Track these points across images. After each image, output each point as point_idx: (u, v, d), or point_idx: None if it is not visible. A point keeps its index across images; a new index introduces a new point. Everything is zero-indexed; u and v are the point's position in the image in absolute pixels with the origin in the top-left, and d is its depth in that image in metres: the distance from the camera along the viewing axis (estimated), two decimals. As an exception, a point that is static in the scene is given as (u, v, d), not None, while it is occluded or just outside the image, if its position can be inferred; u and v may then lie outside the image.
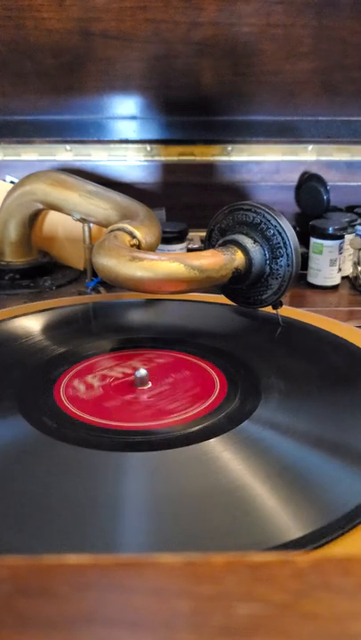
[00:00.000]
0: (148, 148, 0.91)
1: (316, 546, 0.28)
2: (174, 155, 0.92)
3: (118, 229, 0.55)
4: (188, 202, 0.92)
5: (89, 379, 0.46)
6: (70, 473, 0.34)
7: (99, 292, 0.68)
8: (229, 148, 0.92)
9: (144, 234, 0.56)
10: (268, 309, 0.55)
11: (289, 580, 0.17)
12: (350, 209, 0.88)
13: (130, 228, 0.55)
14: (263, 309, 0.56)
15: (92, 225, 0.68)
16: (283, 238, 0.51)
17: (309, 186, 0.88)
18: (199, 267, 0.49)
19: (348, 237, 0.75)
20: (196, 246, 0.81)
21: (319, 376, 0.46)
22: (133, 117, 0.90)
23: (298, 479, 0.34)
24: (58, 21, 0.71)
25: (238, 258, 0.52)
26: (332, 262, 0.73)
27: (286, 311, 0.57)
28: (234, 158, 0.92)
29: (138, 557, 0.18)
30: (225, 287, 0.56)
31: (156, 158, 0.92)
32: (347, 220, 0.76)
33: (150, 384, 0.45)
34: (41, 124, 0.89)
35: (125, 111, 0.89)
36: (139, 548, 0.29)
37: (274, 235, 0.52)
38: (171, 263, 0.48)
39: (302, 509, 0.31)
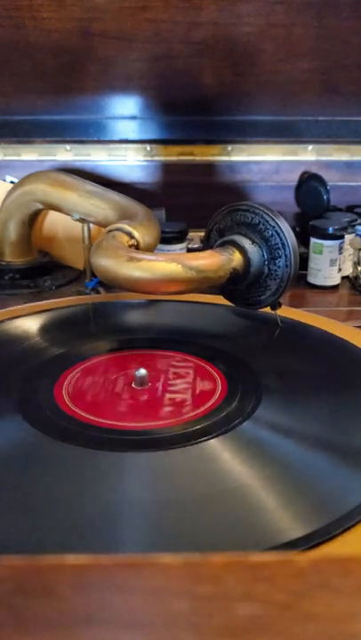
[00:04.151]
0: (148, 148, 0.91)
1: (316, 545, 0.28)
2: (174, 155, 0.92)
3: (117, 229, 0.55)
4: (188, 202, 0.91)
5: (89, 379, 0.46)
6: (70, 473, 0.34)
7: (98, 292, 0.68)
8: (229, 148, 0.91)
9: (142, 234, 0.56)
10: (268, 310, 0.55)
11: (289, 580, 0.17)
12: (350, 209, 0.88)
13: (128, 228, 0.55)
14: (262, 310, 0.56)
15: (91, 225, 0.68)
16: (281, 239, 0.51)
17: (309, 186, 0.88)
18: (197, 267, 0.49)
19: (348, 237, 0.75)
20: (196, 246, 0.81)
21: (319, 376, 0.46)
22: (133, 117, 0.90)
23: (298, 479, 0.34)
24: (58, 21, 0.71)
25: (236, 259, 0.52)
26: (332, 262, 0.73)
27: (286, 311, 0.57)
28: (234, 158, 0.92)
29: (138, 557, 0.18)
30: (223, 288, 0.56)
31: (156, 158, 0.92)
32: (347, 220, 0.76)
33: (150, 384, 0.45)
34: (41, 123, 0.89)
35: (125, 111, 0.89)
36: (138, 548, 0.29)
37: (272, 235, 0.52)
38: (168, 264, 0.48)
39: (302, 509, 0.31)
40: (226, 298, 0.57)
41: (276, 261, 0.52)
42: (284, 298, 0.54)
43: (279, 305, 0.54)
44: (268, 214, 0.52)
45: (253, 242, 0.52)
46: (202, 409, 0.41)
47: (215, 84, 0.83)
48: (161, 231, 0.62)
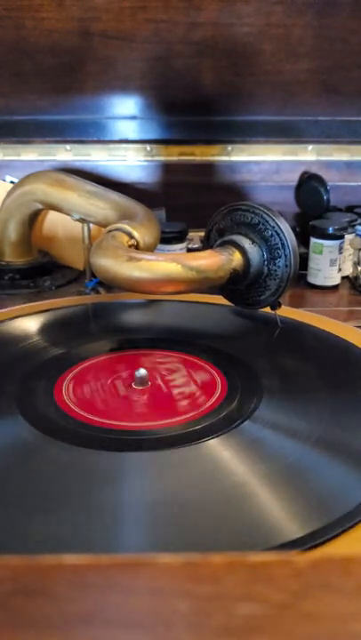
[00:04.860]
0: (148, 148, 0.91)
1: (316, 546, 0.28)
2: (174, 155, 0.92)
3: (116, 229, 0.55)
4: (188, 202, 0.91)
5: (89, 379, 0.46)
6: (70, 473, 0.34)
7: (98, 292, 0.68)
8: (229, 148, 0.91)
9: (142, 234, 0.56)
10: (268, 310, 0.55)
11: (288, 580, 0.17)
12: (350, 209, 0.88)
13: (128, 228, 0.55)
14: (262, 310, 0.56)
15: (91, 225, 0.68)
16: (281, 239, 0.51)
17: (309, 186, 0.88)
18: (197, 267, 0.49)
19: (348, 237, 0.75)
20: (196, 246, 0.81)
21: (319, 376, 0.46)
22: (133, 117, 0.90)
23: (298, 479, 0.34)
24: (58, 21, 0.71)
25: (236, 259, 0.52)
26: (333, 262, 0.73)
27: (286, 311, 0.57)
28: (234, 158, 0.92)
29: (137, 557, 0.18)
30: (223, 288, 0.56)
31: (156, 158, 0.92)
32: (347, 219, 0.76)
33: (150, 384, 0.45)
34: (41, 123, 0.89)
35: (125, 111, 0.89)
36: (138, 548, 0.29)
37: (272, 235, 0.52)
38: (168, 264, 0.48)
39: (302, 509, 0.31)
40: (226, 298, 0.57)
41: (276, 261, 0.52)
42: (284, 298, 0.54)
43: (279, 305, 0.54)
44: (267, 214, 0.52)
45: (253, 242, 0.52)
46: (202, 409, 0.41)
47: (215, 83, 0.83)
48: (161, 231, 0.61)
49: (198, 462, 0.35)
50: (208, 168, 0.92)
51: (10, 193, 0.72)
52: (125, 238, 0.54)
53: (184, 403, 0.42)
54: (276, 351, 0.51)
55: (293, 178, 0.93)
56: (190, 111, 0.89)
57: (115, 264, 0.48)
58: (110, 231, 0.55)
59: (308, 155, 0.92)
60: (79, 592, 0.17)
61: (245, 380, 0.45)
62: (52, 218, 0.78)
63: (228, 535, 0.29)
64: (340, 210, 0.89)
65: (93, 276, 0.68)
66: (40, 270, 0.75)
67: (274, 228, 0.52)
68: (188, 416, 0.40)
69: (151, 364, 0.48)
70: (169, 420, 0.40)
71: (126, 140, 0.91)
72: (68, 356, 0.49)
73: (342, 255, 0.74)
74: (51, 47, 0.75)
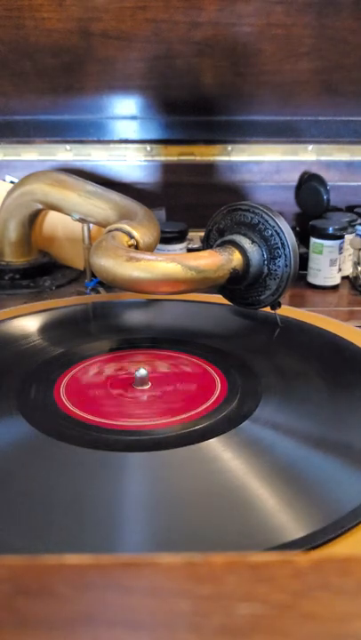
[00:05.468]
0: (148, 148, 0.91)
1: (316, 546, 0.28)
2: (174, 155, 0.92)
3: (116, 229, 0.55)
4: (188, 202, 0.91)
5: (89, 379, 0.46)
6: (70, 473, 0.34)
7: (98, 292, 0.68)
8: (229, 147, 0.92)
9: (142, 234, 0.56)
10: (268, 310, 0.55)
11: (289, 580, 0.17)
12: (350, 209, 0.88)
13: (128, 228, 0.55)
14: (262, 310, 0.56)
15: (91, 225, 0.68)
16: (281, 239, 0.51)
17: (309, 186, 0.88)
18: (196, 267, 0.49)
19: (348, 237, 0.75)
20: (196, 246, 0.81)
21: (319, 376, 0.46)
22: (133, 117, 0.90)
23: (298, 479, 0.34)
24: (58, 21, 0.71)
25: (236, 258, 0.52)
26: (333, 262, 0.73)
27: (286, 311, 0.57)
28: (234, 158, 0.92)
29: (138, 557, 0.18)
30: (223, 288, 0.56)
31: (157, 158, 0.92)
32: (347, 219, 0.76)
33: (150, 384, 0.45)
34: (41, 123, 0.89)
35: (125, 111, 0.89)
36: (138, 548, 0.29)
37: (272, 235, 0.52)
38: (168, 264, 0.48)
39: (302, 509, 0.31)
40: (225, 298, 0.57)
41: (276, 261, 0.52)
42: (285, 298, 0.54)
43: (279, 305, 0.54)
44: (267, 214, 0.52)
45: (253, 242, 0.52)
46: (202, 409, 0.41)
47: (215, 84, 0.83)
48: (161, 231, 0.61)
49: (198, 462, 0.35)
50: (208, 168, 0.92)
51: (10, 193, 0.72)
52: (125, 238, 0.54)
53: (184, 403, 0.42)
54: (276, 351, 0.51)
55: (293, 178, 0.93)
56: (190, 111, 0.89)
57: (115, 264, 0.48)
58: (110, 231, 0.55)
59: (309, 155, 0.92)
60: (79, 592, 0.17)
61: (245, 379, 0.45)
62: (52, 218, 0.78)
63: (228, 535, 0.29)
64: (340, 210, 0.89)
65: (93, 275, 0.68)
66: (40, 270, 0.75)
67: (274, 227, 0.52)
68: (188, 416, 0.40)
69: (151, 364, 0.48)
70: (169, 420, 0.40)
71: (126, 140, 0.91)
72: (67, 355, 0.49)
73: (342, 255, 0.74)
74: (51, 47, 0.75)
